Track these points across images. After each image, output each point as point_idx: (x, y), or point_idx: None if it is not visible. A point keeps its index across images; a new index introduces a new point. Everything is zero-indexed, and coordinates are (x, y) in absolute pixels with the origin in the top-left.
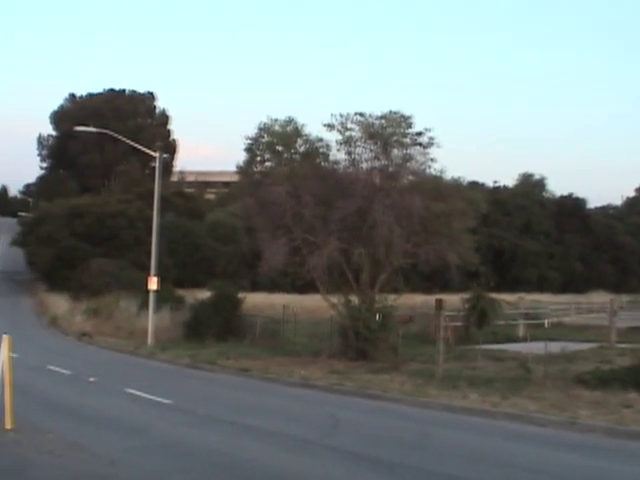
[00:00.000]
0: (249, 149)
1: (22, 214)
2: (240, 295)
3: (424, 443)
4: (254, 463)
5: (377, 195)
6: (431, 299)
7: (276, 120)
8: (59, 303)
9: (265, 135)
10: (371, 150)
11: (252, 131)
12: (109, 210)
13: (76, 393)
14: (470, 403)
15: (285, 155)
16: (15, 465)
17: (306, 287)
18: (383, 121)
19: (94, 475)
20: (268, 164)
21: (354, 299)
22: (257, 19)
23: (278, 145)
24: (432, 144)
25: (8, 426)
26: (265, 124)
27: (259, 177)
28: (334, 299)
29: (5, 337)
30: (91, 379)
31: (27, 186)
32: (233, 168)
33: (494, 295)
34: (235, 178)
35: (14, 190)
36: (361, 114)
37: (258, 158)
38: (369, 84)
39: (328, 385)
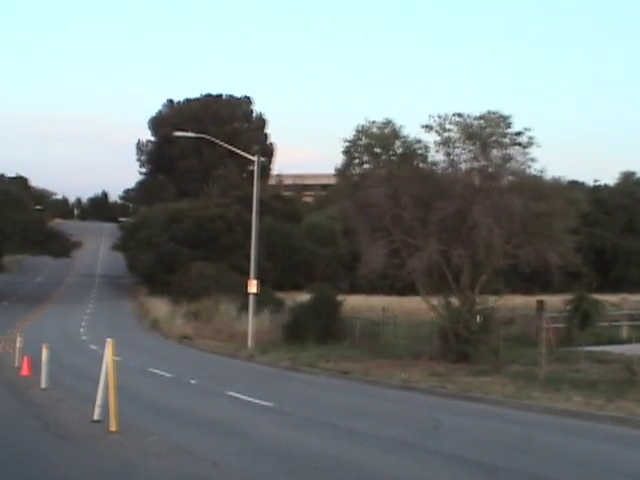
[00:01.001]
0: (347, 151)
1: (122, 219)
2: (339, 297)
3: (527, 446)
4: (356, 466)
5: (477, 196)
6: (531, 300)
7: (374, 122)
8: (159, 306)
9: (363, 137)
10: (470, 151)
11: (350, 134)
12: (208, 214)
13: (178, 395)
14: (573, 406)
15: (383, 157)
16: (120, 467)
17: (405, 289)
18: (482, 121)
19: (198, 478)
20: (366, 166)
21: (454, 301)
22: (354, 22)
23: (376, 147)
24: (532, 144)
25: (113, 428)
26: (363, 126)
27: (357, 179)
28: (434, 301)
29: (109, 341)
30: (192, 382)
31: (127, 191)
32: (331, 171)
33: (596, 296)
34: (333, 181)
35: (114, 196)
36: (459, 115)
37: (356, 160)
38: (467, 84)
39: (429, 388)
